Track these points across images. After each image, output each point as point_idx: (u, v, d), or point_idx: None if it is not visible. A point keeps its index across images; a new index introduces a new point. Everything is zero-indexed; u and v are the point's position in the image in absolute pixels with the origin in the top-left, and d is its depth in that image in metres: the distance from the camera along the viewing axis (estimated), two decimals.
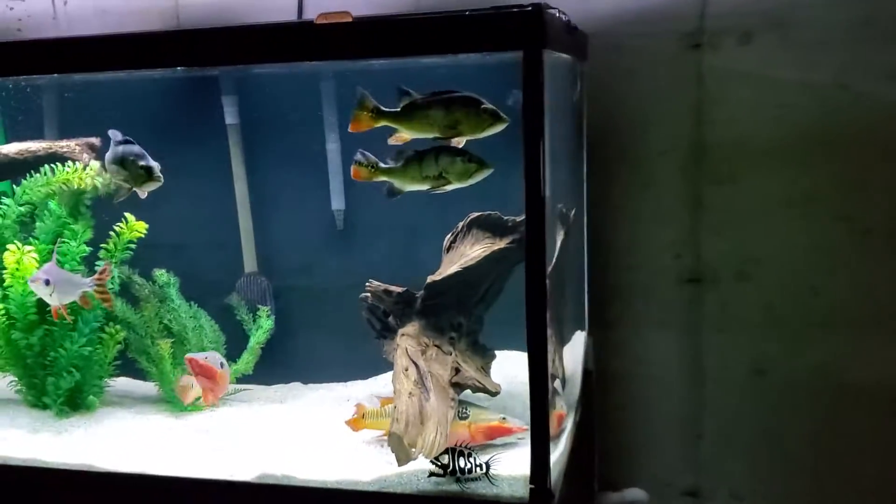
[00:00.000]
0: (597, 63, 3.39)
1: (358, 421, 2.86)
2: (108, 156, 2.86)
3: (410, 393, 2.56)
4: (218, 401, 3.03)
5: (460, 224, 2.88)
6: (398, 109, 2.50)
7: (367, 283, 2.87)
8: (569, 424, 2.87)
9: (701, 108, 3.43)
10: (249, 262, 3.36)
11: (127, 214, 3.12)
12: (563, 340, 2.94)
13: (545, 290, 2.28)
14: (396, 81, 2.53)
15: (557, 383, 2.80)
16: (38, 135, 3.29)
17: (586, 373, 3.40)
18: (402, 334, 2.79)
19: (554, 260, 2.75)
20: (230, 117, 3.26)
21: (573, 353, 3.20)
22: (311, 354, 3.39)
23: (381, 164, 2.56)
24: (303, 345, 3.39)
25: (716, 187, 3.52)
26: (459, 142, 2.50)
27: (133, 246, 3.12)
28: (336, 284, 3.07)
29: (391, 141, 2.54)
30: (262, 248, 3.38)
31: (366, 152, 2.58)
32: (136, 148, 2.80)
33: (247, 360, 3.25)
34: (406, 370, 2.65)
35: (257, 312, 3.29)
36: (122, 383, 3.38)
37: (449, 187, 2.56)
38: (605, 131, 3.51)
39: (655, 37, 3.37)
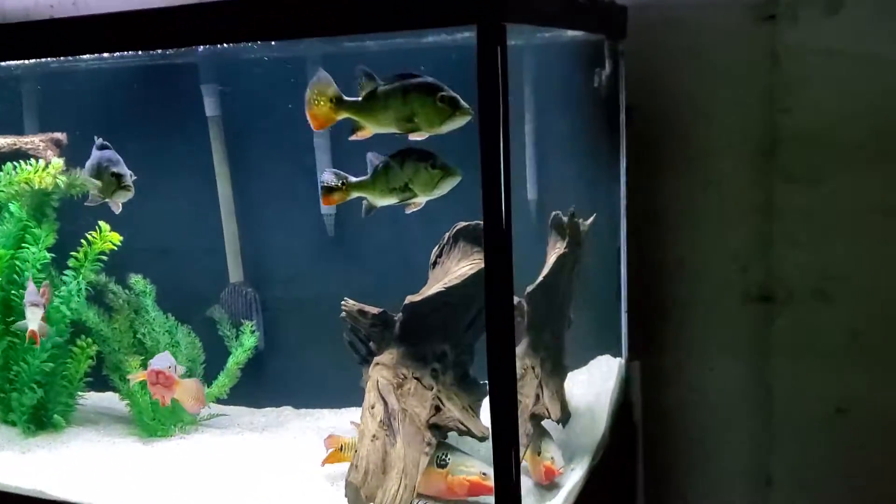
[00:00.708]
0: (643, 41, 2.92)
1: (336, 455, 2.51)
2: (88, 162, 2.64)
3: (374, 436, 2.23)
4: (199, 410, 2.67)
5: (446, 235, 2.42)
6: (360, 99, 2.11)
7: (342, 302, 2.43)
8: (579, 472, 2.40)
9: (774, 92, 2.96)
10: (234, 272, 2.98)
11: (101, 223, 2.81)
12: (562, 371, 2.58)
13: (510, 317, 1.88)
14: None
15: (552, 425, 2.47)
16: (5, 130, 2.96)
17: (625, 406, 2.87)
18: (377, 363, 2.40)
19: (542, 277, 2.41)
20: (210, 108, 2.85)
21: (596, 384, 2.82)
22: (304, 376, 2.97)
23: (352, 179, 2.22)
24: (295, 365, 2.99)
25: (792, 188, 3.01)
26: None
27: (104, 258, 2.84)
28: (332, 296, 2.64)
29: (353, 137, 2.16)
30: (249, 255, 2.98)
31: (334, 170, 2.23)
32: (110, 154, 2.57)
33: (222, 384, 2.86)
34: (372, 408, 2.30)
35: (241, 328, 2.89)
36: (106, 399, 3.05)
37: (417, 201, 2.18)
38: (655, 121, 3.04)
39: (718, 7, 2.92)
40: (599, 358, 2.99)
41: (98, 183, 2.52)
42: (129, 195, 2.52)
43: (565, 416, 2.56)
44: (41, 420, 2.91)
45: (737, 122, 2.99)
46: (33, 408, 2.89)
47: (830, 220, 2.95)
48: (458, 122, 2.01)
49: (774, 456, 3.14)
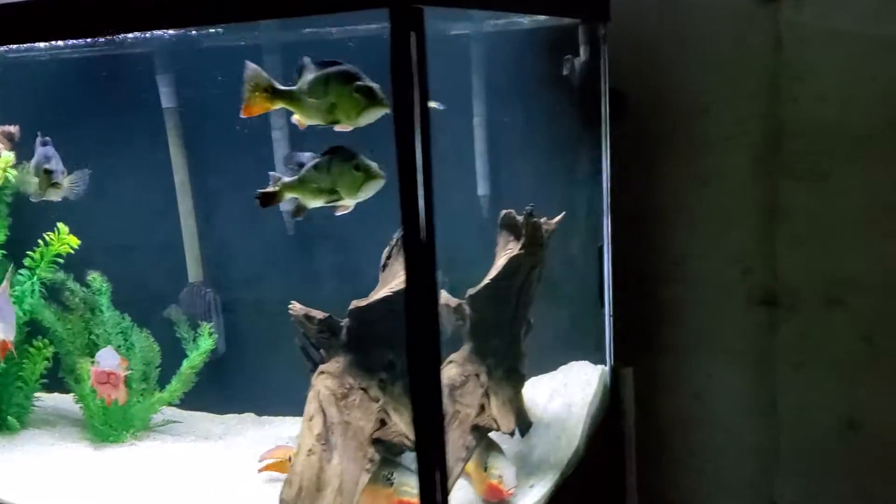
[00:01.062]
0: (637, 25, 2.76)
1: (283, 465, 2.38)
2: (33, 158, 2.57)
3: (310, 450, 2.09)
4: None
5: (395, 236, 2.25)
6: (294, 88, 2.00)
7: (289, 306, 2.29)
8: (541, 490, 2.25)
9: (778, 80, 2.77)
10: (194, 271, 2.85)
11: (60, 224, 2.72)
12: (517, 379, 2.41)
13: (436, 327, 1.69)
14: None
15: (500, 437, 2.31)
16: None
17: (611, 416, 2.70)
18: (322, 372, 2.25)
19: (488, 279, 2.25)
20: (167, 100, 2.74)
21: (569, 393, 2.65)
22: (267, 382, 2.83)
23: (285, 179, 2.10)
24: (258, 370, 2.84)
25: (797, 184, 2.81)
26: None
27: (61, 261, 2.75)
28: (297, 298, 2.52)
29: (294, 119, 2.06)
30: (209, 253, 2.86)
31: (272, 174, 2.11)
32: (46, 150, 2.51)
33: (173, 388, 2.74)
34: (311, 419, 2.15)
35: (199, 330, 2.77)
36: (69, 400, 2.93)
37: (345, 204, 2.05)
38: (650, 112, 2.86)
39: None
40: (573, 364, 2.81)
41: (35, 179, 2.47)
42: (61, 193, 2.47)
43: (525, 426, 2.41)
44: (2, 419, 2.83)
45: (737, 112, 2.81)
46: None
47: (839, 219, 2.76)
48: (375, 115, 1.87)
49: (779, 471, 2.92)
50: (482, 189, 2.67)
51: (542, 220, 2.31)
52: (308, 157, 2.05)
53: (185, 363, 2.73)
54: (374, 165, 1.97)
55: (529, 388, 2.52)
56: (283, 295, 2.39)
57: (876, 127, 2.65)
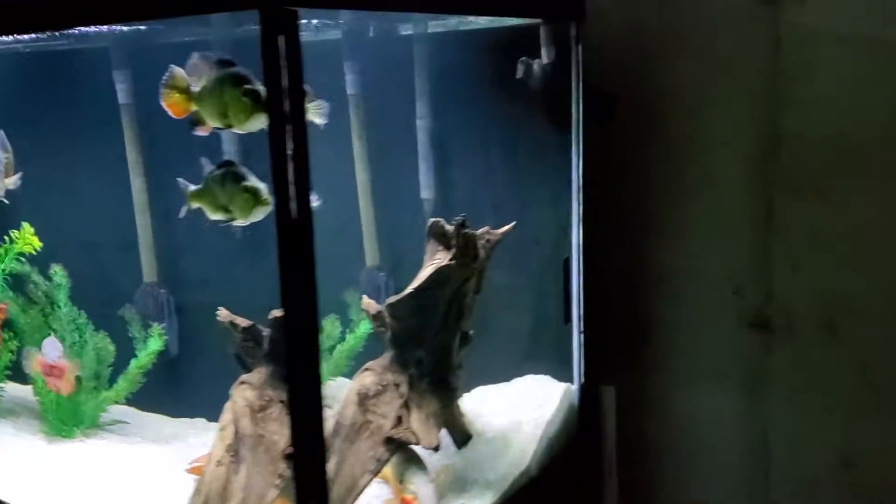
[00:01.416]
0: (626, 23, 2.62)
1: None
2: None
3: (219, 461, 2.01)
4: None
5: None
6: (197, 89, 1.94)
7: (217, 312, 2.17)
8: None
9: (776, 84, 2.55)
10: (148, 270, 2.76)
11: (25, 224, 2.67)
12: (447, 392, 2.26)
13: (314, 344, 1.58)
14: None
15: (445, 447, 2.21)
16: None
17: (586, 434, 2.57)
18: (242, 382, 2.15)
19: (411, 289, 2.10)
20: (123, 96, 2.65)
21: (523, 409, 2.50)
22: (220, 386, 2.71)
23: (191, 188, 2.05)
24: (212, 373, 2.73)
25: (795, 197, 2.59)
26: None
27: (22, 260, 2.70)
28: (254, 300, 2.41)
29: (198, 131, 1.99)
30: (165, 253, 2.76)
31: (180, 180, 2.08)
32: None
33: (119, 388, 2.67)
34: (223, 430, 2.06)
35: (150, 330, 2.68)
36: None
37: (240, 223, 1.99)
38: (639, 115, 2.68)
39: None
40: (528, 378, 2.65)
41: None
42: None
43: (462, 438, 2.29)
44: None
45: (733, 118, 2.60)
46: None
47: (840, 237, 2.52)
48: (263, 122, 1.75)
49: None
50: (425, 193, 2.53)
51: (484, 230, 2.16)
52: (211, 166, 1.96)
53: (133, 363, 2.66)
54: (262, 189, 1.87)
55: (474, 400, 2.42)
56: (239, 298, 2.29)
57: (880, 136, 2.42)
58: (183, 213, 2.04)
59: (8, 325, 2.76)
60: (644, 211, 2.73)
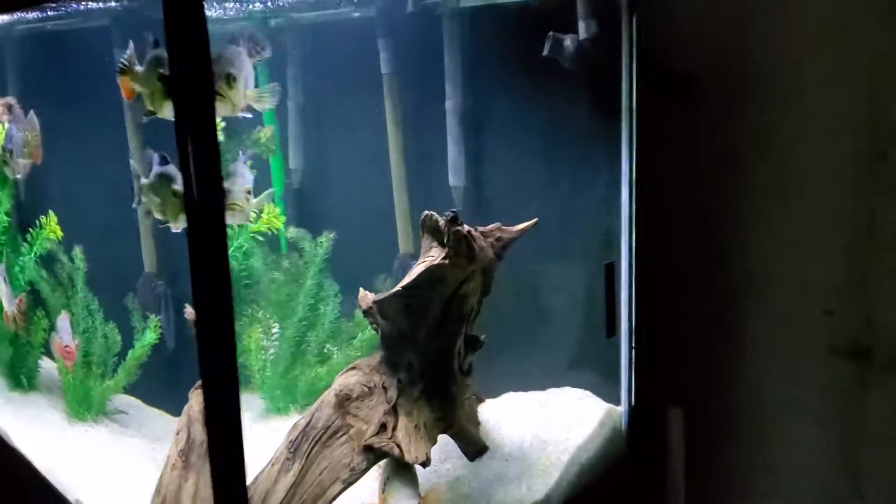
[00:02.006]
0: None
1: None
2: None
3: (173, 465, 1.94)
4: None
5: None
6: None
7: (184, 309, 2.06)
8: None
9: (885, 67, 2.11)
10: (148, 261, 2.69)
11: (50, 211, 2.69)
12: (447, 400, 2.03)
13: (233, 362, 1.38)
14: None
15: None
16: None
17: (640, 461, 2.30)
18: (199, 386, 2.03)
19: (399, 287, 1.92)
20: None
21: (553, 427, 2.24)
22: None
23: (143, 180, 1.90)
24: None
25: None
26: None
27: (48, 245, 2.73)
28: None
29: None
30: (164, 244, 2.67)
31: (133, 167, 1.95)
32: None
33: (118, 378, 2.65)
34: (178, 434, 1.98)
35: (147, 322, 2.63)
36: None
37: (178, 228, 1.82)
38: (717, 100, 2.32)
39: None
40: (565, 389, 2.39)
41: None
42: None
43: (476, 449, 2.12)
44: (18, 377, 2.90)
45: (831, 107, 2.21)
46: (9, 366, 2.90)
47: None
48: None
49: None
50: (456, 180, 2.29)
51: (494, 226, 1.90)
52: (155, 159, 1.82)
53: (130, 354, 2.62)
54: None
55: (501, 406, 2.25)
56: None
57: None
58: (135, 203, 1.92)
59: (42, 303, 2.82)
60: (719, 215, 2.36)
